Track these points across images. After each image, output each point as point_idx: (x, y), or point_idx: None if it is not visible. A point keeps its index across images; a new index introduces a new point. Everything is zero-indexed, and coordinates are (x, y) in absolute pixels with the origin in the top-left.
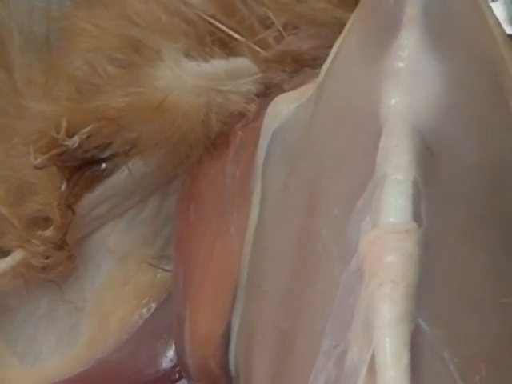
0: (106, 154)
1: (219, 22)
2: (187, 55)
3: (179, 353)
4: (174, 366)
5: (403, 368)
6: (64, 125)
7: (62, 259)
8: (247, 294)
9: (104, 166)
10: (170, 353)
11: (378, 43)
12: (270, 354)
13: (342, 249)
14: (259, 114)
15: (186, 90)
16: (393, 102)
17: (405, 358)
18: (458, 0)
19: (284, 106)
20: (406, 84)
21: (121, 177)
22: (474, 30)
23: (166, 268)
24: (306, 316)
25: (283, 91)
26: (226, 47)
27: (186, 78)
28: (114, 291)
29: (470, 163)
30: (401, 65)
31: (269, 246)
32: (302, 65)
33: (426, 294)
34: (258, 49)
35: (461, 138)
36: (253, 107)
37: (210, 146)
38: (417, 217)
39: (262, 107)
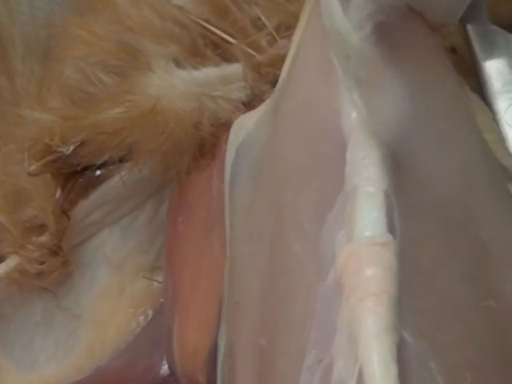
0: (101, 160)
1: (212, 25)
2: (178, 64)
3: (169, 361)
4: (171, 375)
5: (392, 380)
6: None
7: (56, 265)
8: (228, 314)
9: (98, 172)
10: None
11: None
12: (251, 372)
13: (317, 263)
14: None
15: (178, 96)
16: (354, 114)
17: (393, 370)
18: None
19: (245, 123)
20: (366, 96)
21: (115, 183)
22: (428, 38)
23: (160, 280)
24: (285, 332)
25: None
26: (220, 51)
27: (177, 85)
28: (110, 299)
29: (437, 170)
30: (358, 76)
31: (242, 263)
32: None
33: (407, 305)
34: (250, 52)
35: (425, 146)
36: (237, 117)
37: (199, 155)
38: (391, 228)
39: None
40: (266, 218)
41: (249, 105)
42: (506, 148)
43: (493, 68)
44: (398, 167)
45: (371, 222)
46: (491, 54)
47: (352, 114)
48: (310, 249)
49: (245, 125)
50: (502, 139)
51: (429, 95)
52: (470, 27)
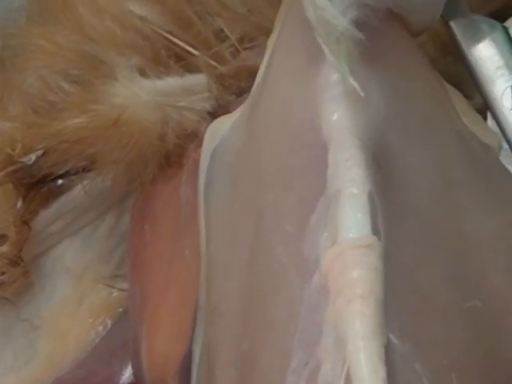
0: (63, 170)
1: (175, 36)
2: (142, 73)
3: (136, 371)
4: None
5: (381, 382)
6: (19, 144)
7: (17, 276)
8: (206, 318)
9: (60, 182)
10: (127, 371)
11: (309, 57)
12: (232, 376)
13: (300, 266)
14: None
15: (142, 106)
16: (335, 116)
17: (381, 372)
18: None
19: (220, 125)
20: (345, 97)
21: (77, 193)
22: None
23: (121, 288)
24: (269, 335)
25: (229, 112)
26: (183, 62)
27: (141, 95)
28: (70, 310)
29: (416, 170)
30: (336, 78)
31: (219, 267)
32: None
33: (392, 307)
34: (214, 63)
35: (405, 148)
36: (205, 127)
37: (165, 164)
38: (375, 230)
39: None
40: (245, 221)
41: (215, 115)
42: (486, 127)
43: (481, 56)
44: (380, 169)
45: (356, 224)
46: (478, 42)
47: (333, 116)
48: (293, 252)
49: (220, 129)
50: (480, 119)
51: (405, 94)
52: (452, 23)
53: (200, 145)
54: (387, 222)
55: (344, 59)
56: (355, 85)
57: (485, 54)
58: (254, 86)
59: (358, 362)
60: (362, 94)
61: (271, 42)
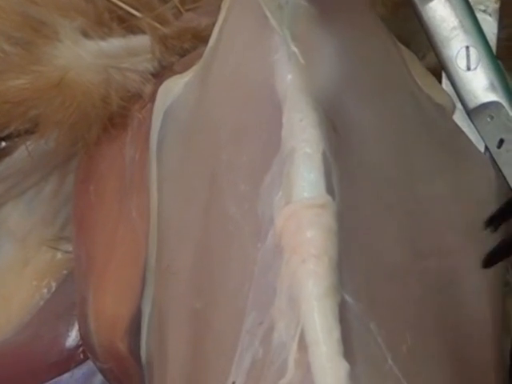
0: (5, 132)
1: None
2: (85, 34)
3: (83, 333)
4: (78, 347)
5: (335, 342)
6: None
7: None
8: (157, 278)
9: (3, 144)
10: (73, 333)
11: (263, 20)
12: (185, 335)
13: (254, 225)
14: (155, 96)
15: (86, 68)
16: (289, 76)
17: (336, 331)
18: None
19: (173, 85)
20: (300, 58)
21: (20, 155)
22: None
23: (66, 249)
24: (222, 294)
25: (174, 72)
26: (126, 24)
27: (84, 56)
28: (14, 273)
29: (371, 131)
30: (294, 27)
31: (173, 227)
32: (202, 41)
33: (347, 266)
34: (156, 25)
35: (359, 108)
36: (148, 88)
37: (110, 125)
38: (330, 190)
39: (157, 89)
40: (198, 181)
41: (158, 76)
42: (440, 88)
43: (436, 16)
44: (334, 129)
45: (310, 184)
46: (433, 2)
47: (287, 76)
48: (247, 211)
49: (172, 89)
50: (434, 80)
51: (360, 56)
52: None
53: (144, 105)
54: (342, 182)
55: (286, 25)
56: (295, 50)
57: (440, 13)
58: (208, 47)
59: (312, 322)
60: (302, 61)
61: (225, 4)
